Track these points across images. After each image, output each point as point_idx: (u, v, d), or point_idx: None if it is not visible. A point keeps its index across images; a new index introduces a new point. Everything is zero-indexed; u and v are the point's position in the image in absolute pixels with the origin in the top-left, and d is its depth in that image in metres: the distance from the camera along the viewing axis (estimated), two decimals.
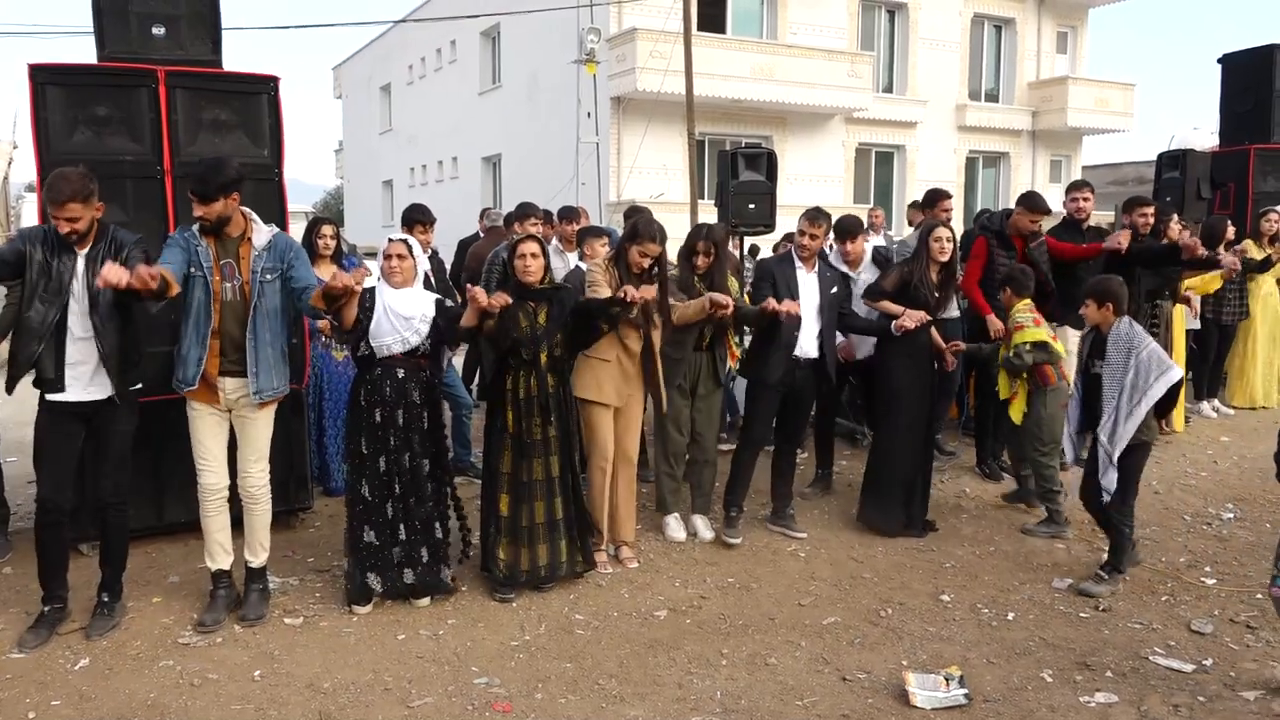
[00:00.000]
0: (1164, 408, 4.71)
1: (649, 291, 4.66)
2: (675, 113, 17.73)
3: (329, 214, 31.69)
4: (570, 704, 3.74)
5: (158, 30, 5.13)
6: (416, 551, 4.50)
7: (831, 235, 6.13)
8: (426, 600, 4.56)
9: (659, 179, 19.25)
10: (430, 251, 6.46)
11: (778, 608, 4.65)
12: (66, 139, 4.91)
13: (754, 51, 19.66)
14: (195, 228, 4.23)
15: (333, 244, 6.23)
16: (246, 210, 4.33)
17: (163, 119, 5.04)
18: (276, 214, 5.38)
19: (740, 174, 8.87)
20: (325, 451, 6.18)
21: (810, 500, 6.15)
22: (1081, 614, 4.57)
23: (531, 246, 4.66)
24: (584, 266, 6.08)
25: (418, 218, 6.39)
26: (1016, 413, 5.71)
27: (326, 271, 6.20)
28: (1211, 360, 8.66)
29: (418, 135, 29.08)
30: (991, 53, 24.10)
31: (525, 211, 7.04)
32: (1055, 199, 8.20)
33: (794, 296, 5.35)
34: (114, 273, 3.74)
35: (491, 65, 24.74)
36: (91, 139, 4.96)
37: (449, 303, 4.66)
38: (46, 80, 4.86)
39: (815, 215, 5.50)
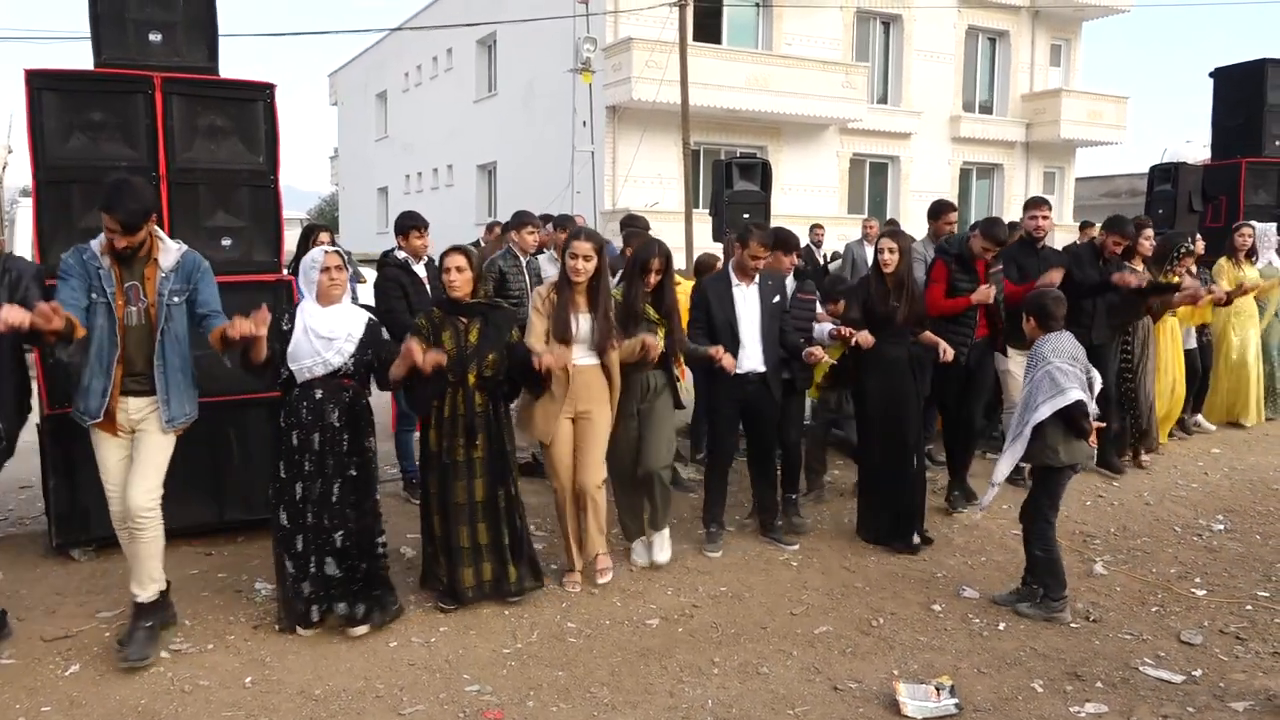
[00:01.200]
0: (1075, 431, 4.49)
1: (562, 358, 4.52)
2: (670, 122, 17.79)
3: (324, 221, 31.79)
4: (562, 712, 3.74)
5: (154, 37, 5.15)
6: (326, 588, 4.25)
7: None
8: (363, 629, 4.28)
9: (654, 188, 19.30)
10: (427, 259, 6.46)
11: (769, 617, 4.66)
12: (62, 144, 4.93)
13: (749, 62, 19.74)
14: (95, 246, 3.96)
15: None
16: (153, 228, 4.04)
17: (158, 125, 5.06)
18: (272, 220, 5.41)
19: (735, 184, 8.92)
20: None
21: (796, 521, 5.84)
22: (1072, 624, 4.58)
23: (456, 260, 4.44)
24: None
25: (411, 223, 6.35)
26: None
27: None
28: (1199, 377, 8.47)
29: (413, 143, 29.12)
30: (985, 65, 24.22)
31: (523, 220, 7.04)
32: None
33: (730, 318, 5.30)
34: (14, 314, 3.43)
35: (487, 73, 24.80)
36: (87, 144, 4.97)
37: (384, 331, 4.42)
38: (43, 86, 4.88)
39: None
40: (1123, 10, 24.09)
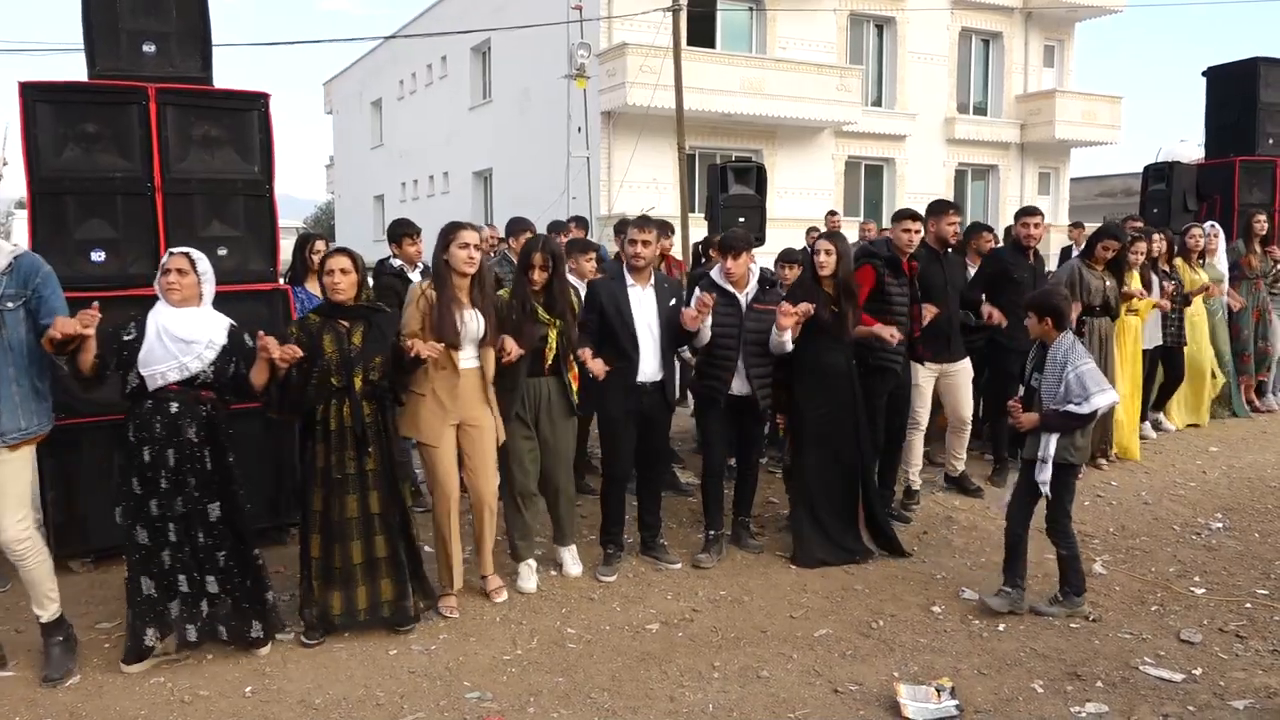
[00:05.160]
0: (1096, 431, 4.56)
1: (433, 349, 4.25)
2: (665, 127, 17.82)
3: (320, 229, 31.79)
4: (562, 717, 3.74)
5: (148, 47, 5.14)
6: (196, 606, 4.05)
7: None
8: (265, 648, 4.16)
9: (649, 193, 19.30)
10: (422, 266, 6.46)
11: (769, 620, 4.66)
12: (56, 156, 4.93)
13: (743, 66, 19.77)
14: None
15: None
16: None
17: (153, 135, 5.05)
18: (268, 229, 5.41)
19: (730, 188, 8.93)
20: None
21: (706, 568, 5.33)
22: (1072, 624, 4.58)
23: (340, 261, 4.23)
24: (572, 281, 6.01)
25: (403, 231, 6.37)
26: None
27: (319, 287, 6.19)
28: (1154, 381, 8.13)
29: (409, 150, 29.14)
30: (979, 66, 24.27)
31: (520, 226, 7.07)
32: (1044, 211, 8.13)
33: (625, 318, 5.03)
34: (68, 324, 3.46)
35: (482, 80, 24.83)
36: (81, 156, 4.97)
37: (249, 339, 4.14)
38: (37, 97, 4.87)
39: (643, 221, 5.16)
40: (1115, 10, 24.15)
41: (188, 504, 3.98)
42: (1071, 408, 4.47)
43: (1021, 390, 4.88)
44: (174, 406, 3.95)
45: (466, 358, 4.56)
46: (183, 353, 3.93)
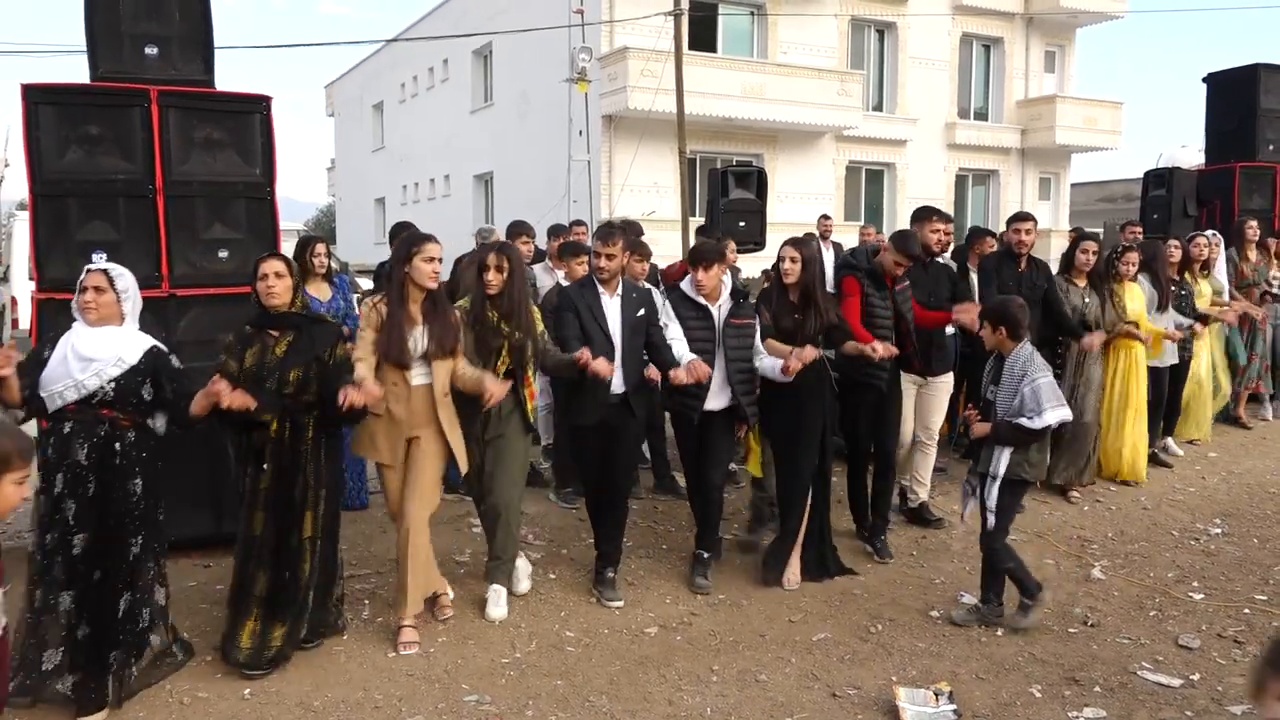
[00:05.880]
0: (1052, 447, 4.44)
1: (373, 395, 3.95)
2: (666, 131, 17.83)
3: (321, 232, 31.79)
4: None
5: (150, 50, 5.17)
6: (52, 654, 3.66)
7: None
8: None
9: (650, 197, 19.33)
10: None
11: (768, 624, 4.66)
12: (59, 158, 4.94)
13: (744, 70, 19.82)
14: None
15: (325, 262, 6.24)
16: None
17: (155, 138, 5.07)
18: (269, 232, 5.43)
19: (731, 192, 8.93)
20: None
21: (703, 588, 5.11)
22: (1070, 629, 4.59)
23: (275, 265, 4.01)
24: (564, 285, 5.97)
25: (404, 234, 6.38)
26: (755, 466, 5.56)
27: (319, 290, 6.21)
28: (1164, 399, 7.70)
29: (410, 153, 29.17)
30: (980, 71, 24.31)
31: (519, 230, 7.08)
32: (1045, 216, 8.16)
33: (600, 325, 4.81)
34: None
35: (483, 83, 24.87)
36: (84, 158, 4.98)
37: (175, 360, 3.90)
38: (39, 100, 4.89)
39: (607, 233, 4.94)
40: (1116, 16, 24.19)
41: (66, 534, 3.66)
42: (1024, 421, 4.38)
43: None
44: (67, 427, 3.67)
45: (417, 375, 4.33)
46: (80, 370, 3.65)
